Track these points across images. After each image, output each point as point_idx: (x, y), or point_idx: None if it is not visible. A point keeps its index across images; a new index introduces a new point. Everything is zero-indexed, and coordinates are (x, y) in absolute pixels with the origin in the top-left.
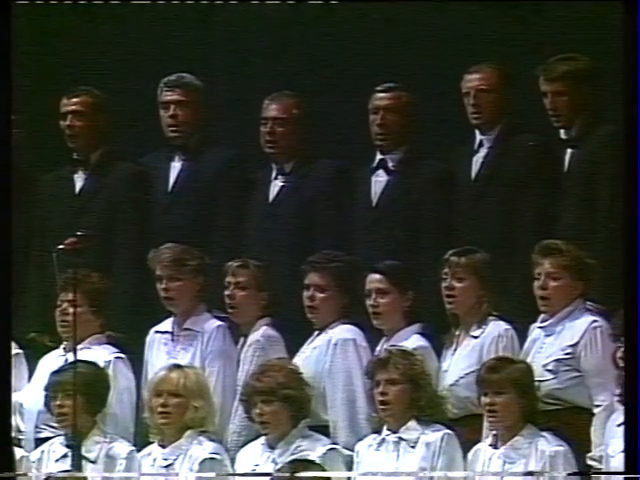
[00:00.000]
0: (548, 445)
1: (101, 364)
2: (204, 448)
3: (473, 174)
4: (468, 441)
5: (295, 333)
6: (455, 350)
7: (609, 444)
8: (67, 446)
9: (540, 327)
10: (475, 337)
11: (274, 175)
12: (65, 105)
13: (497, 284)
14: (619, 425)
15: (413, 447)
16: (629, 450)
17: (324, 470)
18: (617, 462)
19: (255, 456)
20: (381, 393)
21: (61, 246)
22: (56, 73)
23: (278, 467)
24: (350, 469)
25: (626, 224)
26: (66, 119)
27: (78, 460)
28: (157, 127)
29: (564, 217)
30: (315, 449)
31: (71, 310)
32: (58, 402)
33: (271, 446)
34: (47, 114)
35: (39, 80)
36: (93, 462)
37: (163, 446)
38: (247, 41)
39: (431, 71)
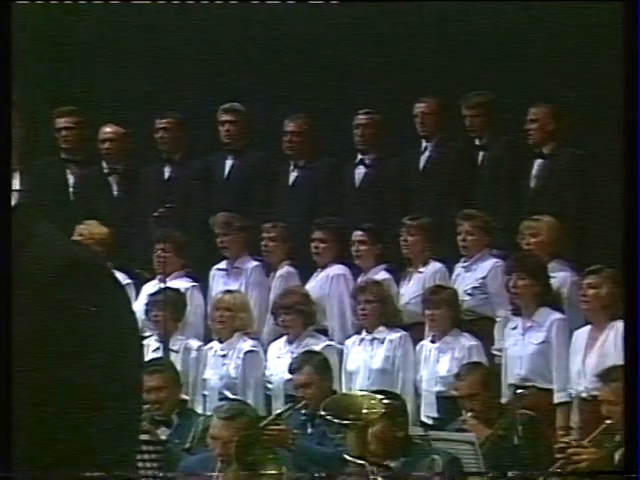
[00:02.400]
0: (467, 341)
1: (182, 290)
2: (247, 343)
3: (421, 167)
4: (417, 339)
5: (306, 270)
6: (409, 281)
7: (506, 340)
8: (160, 341)
9: (462, 266)
10: (421, 272)
11: (292, 168)
12: (158, 123)
13: (435, 238)
14: (512, 329)
15: (382, 343)
16: (629, 450)
17: (325, 359)
18: (511, 352)
19: (280, 348)
20: (361, 309)
21: (156, 214)
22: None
23: (294, 356)
24: (341, 359)
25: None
26: (158, 133)
27: (166, 351)
28: (217, 137)
29: (478, 194)
30: (318, 344)
31: (163, 254)
32: (154, 313)
33: (290, 342)
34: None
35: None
36: (176, 352)
37: (220, 342)
38: (275, 75)
39: (394, 98)
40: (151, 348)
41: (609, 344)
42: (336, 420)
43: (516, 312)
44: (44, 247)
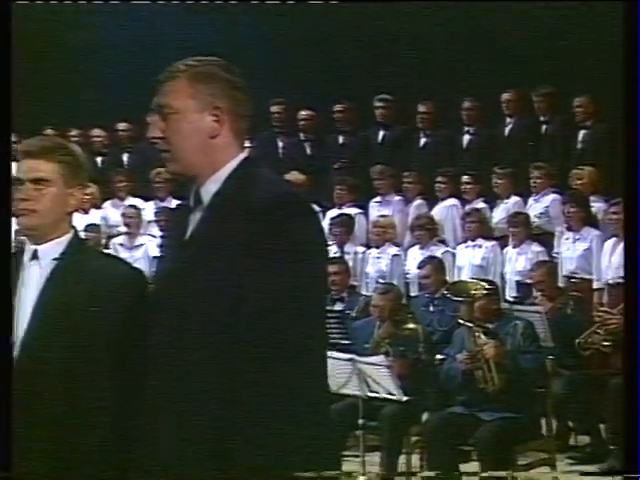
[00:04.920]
0: (536, 247)
1: (352, 215)
2: (394, 249)
3: (506, 134)
4: (503, 246)
5: (432, 202)
6: (498, 208)
7: (561, 247)
8: (337, 248)
9: (533, 199)
10: (506, 203)
11: (421, 136)
12: (334, 107)
13: (515, 180)
14: (566, 239)
15: (480, 247)
16: (629, 450)
17: (441, 261)
18: (565, 255)
19: (415, 252)
20: (468, 227)
21: (336, 166)
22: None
23: (421, 262)
24: (454, 260)
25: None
26: (335, 114)
27: (342, 254)
28: (374, 116)
29: (543, 152)
30: (439, 250)
31: (340, 192)
32: (334, 230)
33: (421, 248)
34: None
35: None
36: (348, 254)
37: (377, 248)
38: (412, 74)
39: (489, 89)
40: (332, 252)
41: None
42: (454, 298)
43: (569, 229)
44: (267, 184)
